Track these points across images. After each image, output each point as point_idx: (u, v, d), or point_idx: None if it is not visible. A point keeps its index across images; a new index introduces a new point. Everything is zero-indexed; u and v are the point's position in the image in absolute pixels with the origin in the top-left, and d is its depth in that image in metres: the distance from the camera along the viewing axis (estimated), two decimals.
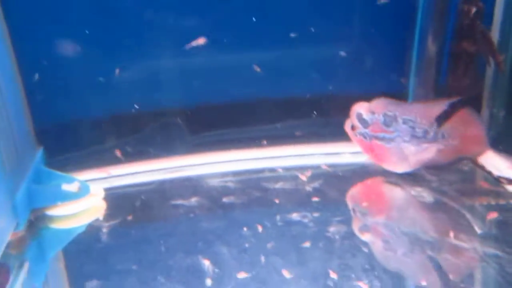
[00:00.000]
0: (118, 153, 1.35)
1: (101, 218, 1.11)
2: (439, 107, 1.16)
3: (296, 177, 1.28)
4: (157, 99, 1.39)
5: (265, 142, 1.42)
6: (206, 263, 0.85)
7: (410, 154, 1.19)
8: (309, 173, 1.30)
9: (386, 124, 1.20)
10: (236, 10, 1.32)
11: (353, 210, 1.08)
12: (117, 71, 1.30)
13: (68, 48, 1.25)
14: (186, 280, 0.81)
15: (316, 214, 1.05)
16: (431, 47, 1.33)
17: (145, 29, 1.28)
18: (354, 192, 1.19)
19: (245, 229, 0.97)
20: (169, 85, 1.38)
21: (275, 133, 1.45)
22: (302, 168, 1.35)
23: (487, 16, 1.36)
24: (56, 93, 1.30)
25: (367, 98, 1.42)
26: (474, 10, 1.28)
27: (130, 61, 1.32)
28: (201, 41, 1.27)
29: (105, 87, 1.32)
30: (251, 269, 0.83)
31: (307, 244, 0.92)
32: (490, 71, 1.39)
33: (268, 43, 1.36)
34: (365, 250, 0.90)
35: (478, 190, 1.18)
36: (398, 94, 1.41)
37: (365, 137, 1.24)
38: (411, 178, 1.22)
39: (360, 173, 1.31)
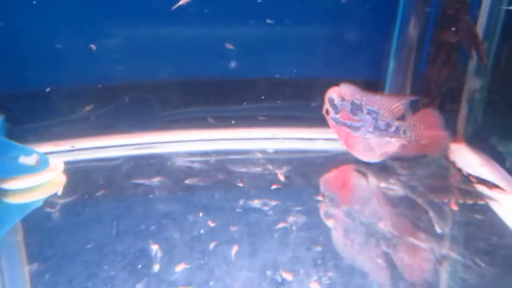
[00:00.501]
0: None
1: (59, 193, 1.08)
2: (402, 102, 1.13)
3: (265, 161, 1.25)
4: (128, 72, 1.34)
5: (232, 121, 1.39)
6: (155, 249, 0.83)
7: (375, 145, 1.18)
8: (279, 158, 1.28)
9: (353, 112, 1.18)
10: None
11: (318, 197, 1.06)
12: (92, 46, 1.25)
13: (28, 13, 1.19)
14: (131, 266, 0.78)
15: (277, 202, 1.02)
16: (412, 35, 1.28)
17: None
18: (321, 180, 1.17)
19: (201, 214, 0.95)
20: (141, 58, 1.33)
21: (249, 114, 1.42)
22: (273, 153, 1.33)
23: (474, 8, 1.32)
24: (19, 60, 1.25)
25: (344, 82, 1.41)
26: None
27: (101, 30, 1.27)
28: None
29: (72, 56, 1.27)
30: (199, 258, 0.81)
31: (262, 234, 0.90)
32: (472, 65, 1.36)
33: (244, 22, 1.30)
34: (319, 243, 0.88)
35: (447, 188, 1.15)
36: (375, 80, 1.38)
37: (336, 122, 1.23)
38: (381, 169, 1.20)
39: (331, 160, 1.30)
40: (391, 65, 1.34)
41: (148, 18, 1.28)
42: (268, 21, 1.31)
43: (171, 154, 1.29)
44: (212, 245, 0.85)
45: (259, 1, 1.25)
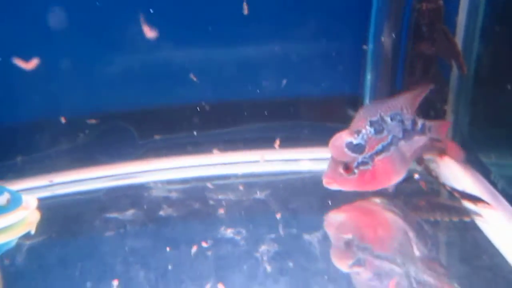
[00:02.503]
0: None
1: (32, 232, 1.06)
2: (419, 97, 1.10)
3: (244, 186, 1.23)
4: (103, 102, 1.33)
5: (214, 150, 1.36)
6: None
7: (407, 151, 1.08)
8: (259, 182, 1.25)
9: (377, 131, 1.03)
10: (186, 11, 1.26)
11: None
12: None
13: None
14: None
15: (251, 230, 0.99)
16: (387, 48, 1.25)
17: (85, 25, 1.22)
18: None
19: (168, 249, 0.92)
20: (115, 87, 1.32)
21: (228, 138, 1.39)
22: (252, 176, 1.30)
23: (450, 17, 1.29)
24: None
25: (320, 99, 1.38)
26: (429, 8, 1.20)
27: (74, 63, 1.27)
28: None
29: (47, 88, 1.27)
30: None
31: (232, 267, 0.87)
32: (454, 75, 1.33)
33: (216, 44, 1.29)
34: (289, 274, 0.84)
35: (431, 205, 1.11)
36: (354, 94, 1.35)
37: (367, 164, 1.02)
38: None
39: (311, 182, 1.26)
40: (368, 78, 1.31)
41: (120, 45, 1.27)
42: (243, 42, 1.30)
43: (149, 184, 1.27)
44: (176, 284, 0.82)
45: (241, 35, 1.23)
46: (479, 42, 1.28)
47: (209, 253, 0.91)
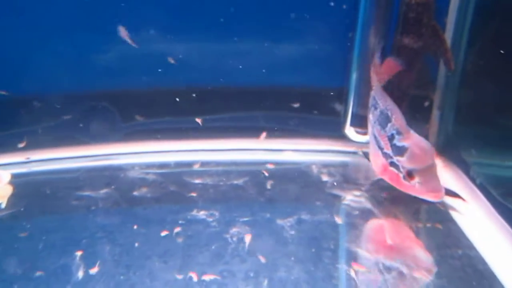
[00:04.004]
0: None
1: (2, 205, 1.04)
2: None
3: (224, 173, 1.21)
4: (87, 82, 1.31)
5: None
6: (78, 264, 0.78)
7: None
8: (238, 169, 1.23)
9: (382, 126, 1.04)
10: None
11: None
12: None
13: None
14: (46, 284, 0.73)
15: (224, 213, 0.97)
16: (373, 41, 1.24)
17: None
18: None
19: (135, 227, 0.90)
20: (100, 67, 1.29)
21: (213, 124, 1.38)
22: (234, 164, 1.28)
23: (441, 14, 1.28)
24: None
25: (305, 92, 1.37)
26: (418, 2, 1.19)
27: (56, 40, 1.25)
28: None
29: (29, 64, 1.24)
30: (123, 273, 0.76)
31: (199, 246, 0.85)
32: (442, 71, 1.32)
33: (201, 30, 1.27)
34: (257, 255, 0.83)
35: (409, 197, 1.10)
36: (338, 88, 1.34)
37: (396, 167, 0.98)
38: (344, 180, 1.16)
39: (285, 171, 1.24)
40: (354, 72, 1.30)
41: (104, 25, 1.25)
42: (230, 31, 1.28)
43: (127, 166, 1.25)
44: (141, 259, 0.81)
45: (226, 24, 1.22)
46: (467, 40, 1.27)
47: (178, 232, 0.89)
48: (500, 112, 1.13)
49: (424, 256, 0.85)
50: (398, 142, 0.97)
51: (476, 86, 1.25)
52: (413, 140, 0.96)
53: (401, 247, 0.89)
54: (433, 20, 1.26)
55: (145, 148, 1.36)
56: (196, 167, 1.25)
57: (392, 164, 0.97)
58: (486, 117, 1.19)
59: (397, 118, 1.01)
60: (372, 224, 0.97)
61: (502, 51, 1.10)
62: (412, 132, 0.99)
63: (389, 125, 1.02)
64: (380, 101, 1.10)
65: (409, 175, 0.93)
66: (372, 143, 1.09)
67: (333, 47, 1.30)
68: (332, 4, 1.25)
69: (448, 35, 1.29)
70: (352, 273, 0.78)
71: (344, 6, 1.25)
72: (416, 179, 0.92)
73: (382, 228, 0.97)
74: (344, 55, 1.30)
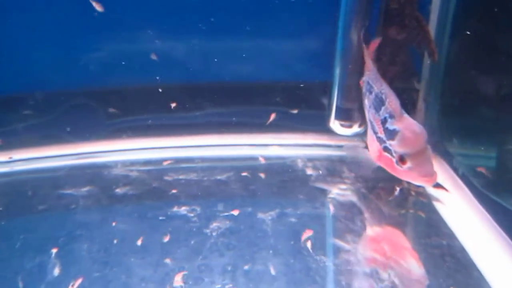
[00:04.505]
0: None
1: None
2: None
3: (208, 168, 1.20)
4: (71, 79, 1.30)
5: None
6: (55, 262, 0.78)
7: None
8: (222, 165, 1.22)
9: (377, 109, 1.01)
10: None
11: None
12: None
13: None
14: (21, 283, 0.73)
15: (205, 208, 0.97)
16: (356, 33, 1.23)
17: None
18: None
19: (114, 223, 0.89)
20: (84, 65, 1.28)
21: (196, 121, 1.37)
22: (218, 160, 1.28)
23: (425, 3, 1.27)
24: None
25: (289, 86, 1.36)
26: None
27: (40, 38, 1.23)
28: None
29: (11, 62, 1.23)
30: (99, 269, 0.76)
31: (179, 241, 0.84)
32: (426, 63, 1.31)
33: (183, 27, 1.26)
34: (236, 249, 0.82)
35: (391, 187, 1.10)
36: (323, 82, 1.33)
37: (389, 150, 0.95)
38: (329, 172, 1.15)
39: (270, 166, 1.23)
40: (338, 65, 1.29)
41: (88, 23, 1.24)
42: (213, 27, 1.27)
43: (111, 163, 1.24)
44: (118, 256, 0.80)
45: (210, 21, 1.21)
46: (450, 31, 1.27)
47: (158, 228, 0.89)
48: (482, 103, 1.13)
49: (417, 268, 0.82)
50: (390, 125, 0.94)
51: (459, 77, 1.25)
52: (405, 123, 0.92)
53: (394, 257, 0.85)
54: (416, 11, 1.26)
55: (129, 145, 1.35)
56: (180, 163, 1.25)
57: (386, 149, 0.94)
58: (469, 108, 1.19)
59: (391, 101, 0.97)
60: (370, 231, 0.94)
61: (484, 42, 1.10)
62: (405, 115, 0.95)
63: (382, 108, 0.99)
64: (375, 84, 1.08)
65: (401, 159, 0.90)
66: (368, 129, 1.07)
67: (316, 40, 1.29)
68: None
69: (432, 26, 1.29)
70: (330, 265, 0.78)
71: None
72: (408, 164, 0.88)
73: (379, 237, 0.94)
74: (327, 48, 1.30)
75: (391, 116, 0.95)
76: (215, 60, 1.29)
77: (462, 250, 0.83)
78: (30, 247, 0.82)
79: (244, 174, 1.17)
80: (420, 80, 1.34)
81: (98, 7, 1.15)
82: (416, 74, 1.34)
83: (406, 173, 0.90)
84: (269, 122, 1.33)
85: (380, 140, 0.97)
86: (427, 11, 1.28)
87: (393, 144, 0.91)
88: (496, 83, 1.08)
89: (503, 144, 1.06)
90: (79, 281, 0.73)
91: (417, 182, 0.91)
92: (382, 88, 1.04)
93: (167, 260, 0.78)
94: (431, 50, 1.26)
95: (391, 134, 0.92)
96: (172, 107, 1.31)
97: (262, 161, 1.27)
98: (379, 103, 1.02)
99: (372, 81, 1.10)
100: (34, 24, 1.21)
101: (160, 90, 1.31)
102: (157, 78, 1.30)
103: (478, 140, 1.13)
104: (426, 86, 1.33)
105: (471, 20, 1.21)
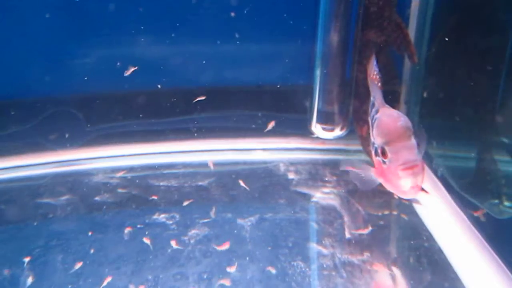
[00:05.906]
0: None
1: None
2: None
3: (190, 175, 1.20)
4: (50, 86, 1.29)
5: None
6: (28, 274, 0.76)
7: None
8: (206, 171, 1.22)
9: (371, 113, 0.90)
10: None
11: None
12: None
13: None
14: None
15: (185, 215, 0.96)
16: (335, 36, 1.24)
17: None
18: None
19: (90, 233, 0.88)
20: (64, 71, 1.27)
21: (179, 126, 1.36)
22: (201, 165, 1.27)
23: (404, 6, 1.28)
24: None
25: (269, 90, 1.36)
26: None
27: (21, 40, 1.22)
28: None
29: None
30: (75, 281, 0.75)
31: (154, 250, 0.84)
32: (407, 65, 1.32)
33: (166, 31, 1.26)
34: (213, 256, 0.81)
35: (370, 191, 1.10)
36: (303, 86, 1.33)
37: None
38: (310, 177, 1.15)
39: (252, 171, 1.23)
40: (318, 68, 1.29)
41: (69, 28, 1.23)
42: (191, 31, 1.27)
43: (93, 171, 1.23)
44: (93, 266, 0.79)
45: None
46: (429, 34, 1.28)
47: (135, 236, 0.88)
48: (461, 105, 1.14)
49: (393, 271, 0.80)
50: (373, 120, 0.84)
51: (438, 79, 1.26)
52: (384, 111, 0.82)
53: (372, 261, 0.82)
54: (395, 14, 1.27)
55: (110, 152, 1.34)
56: (162, 170, 1.24)
57: (375, 151, 0.81)
58: (448, 110, 1.20)
59: (377, 97, 0.89)
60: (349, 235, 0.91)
61: (463, 44, 1.11)
62: (387, 106, 0.86)
63: (373, 110, 0.91)
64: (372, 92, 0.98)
65: (383, 153, 0.76)
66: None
67: (295, 43, 1.29)
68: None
69: (411, 29, 1.30)
70: (307, 270, 0.78)
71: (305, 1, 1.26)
72: (388, 155, 0.75)
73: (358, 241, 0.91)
74: (307, 51, 1.30)
75: (376, 112, 0.86)
76: (194, 65, 1.29)
77: (440, 252, 0.83)
78: (2, 259, 0.81)
79: (225, 179, 1.16)
80: (401, 82, 1.36)
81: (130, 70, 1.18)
82: (396, 76, 1.35)
83: (390, 172, 0.75)
84: (266, 130, 1.33)
85: (372, 144, 0.86)
86: (406, 15, 1.29)
87: (374, 136, 0.81)
88: (474, 85, 1.09)
89: (481, 145, 1.07)
90: None
91: (399, 179, 0.74)
92: (373, 91, 0.95)
93: (142, 270, 0.78)
94: (410, 52, 1.27)
95: (373, 126, 0.83)
96: (154, 113, 1.31)
97: (244, 166, 1.27)
98: (371, 106, 0.94)
99: (370, 88, 1.00)
100: (14, 30, 1.20)
101: (141, 96, 1.31)
102: (138, 84, 1.30)
103: (457, 142, 1.14)
104: (407, 89, 1.34)
105: (450, 23, 1.22)
